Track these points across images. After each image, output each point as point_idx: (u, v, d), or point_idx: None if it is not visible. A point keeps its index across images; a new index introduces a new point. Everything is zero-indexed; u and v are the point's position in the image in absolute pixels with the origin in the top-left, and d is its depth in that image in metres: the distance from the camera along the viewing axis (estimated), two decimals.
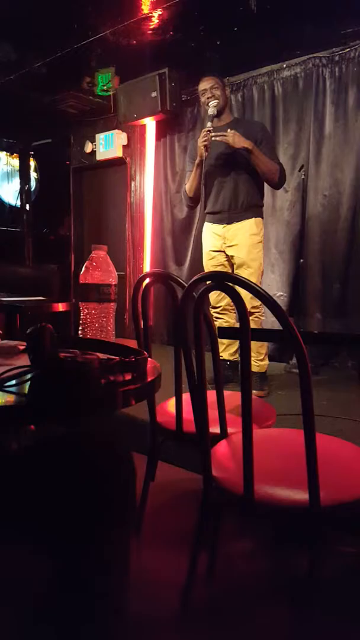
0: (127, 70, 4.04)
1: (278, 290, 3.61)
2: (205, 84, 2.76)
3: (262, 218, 2.81)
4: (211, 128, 2.62)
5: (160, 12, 3.14)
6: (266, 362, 2.78)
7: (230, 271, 2.79)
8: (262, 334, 1.85)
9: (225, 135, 2.55)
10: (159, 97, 3.88)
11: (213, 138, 2.56)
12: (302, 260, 3.40)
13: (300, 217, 3.41)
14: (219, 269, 2.79)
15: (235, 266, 2.78)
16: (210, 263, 2.85)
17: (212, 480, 1.11)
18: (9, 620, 0.75)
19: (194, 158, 2.77)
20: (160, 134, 4.35)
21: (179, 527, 1.51)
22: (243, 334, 1.00)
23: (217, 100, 2.69)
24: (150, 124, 4.36)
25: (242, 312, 0.99)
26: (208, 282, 1.07)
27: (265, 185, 2.80)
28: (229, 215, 2.77)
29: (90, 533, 0.65)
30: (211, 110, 2.69)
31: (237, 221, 2.75)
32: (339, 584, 1.26)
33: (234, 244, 2.75)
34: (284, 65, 3.54)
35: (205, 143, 2.59)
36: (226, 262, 2.83)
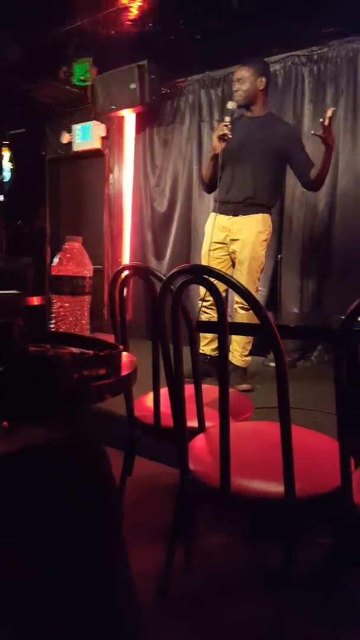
0: (105, 61, 3.98)
1: (259, 285, 3.63)
2: (235, 74, 2.67)
3: (271, 215, 2.75)
4: (228, 121, 2.55)
5: (139, 3, 3.11)
6: (249, 358, 2.79)
7: (230, 267, 2.76)
8: (239, 328, 1.86)
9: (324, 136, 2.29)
10: (138, 89, 3.84)
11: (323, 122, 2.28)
12: (280, 256, 3.44)
13: (278, 214, 3.43)
14: (216, 262, 2.72)
15: (236, 263, 2.71)
16: (211, 255, 2.75)
17: (189, 474, 1.11)
18: None
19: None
20: (140, 127, 4.32)
21: (156, 520, 1.51)
22: (221, 327, 1.00)
23: (238, 97, 2.63)
24: (129, 116, 4.32)
25: (220, 306, 1.00)
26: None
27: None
28: (236, 207, 2.68)
29: (69, 531, 0.64)
30: (230, 105, 2.62)
31: (244, 214, 2.67)
32: (315, 573, 1.29)
33: (237, 238, 2.68)
34: None
35: (222, 134, 2.52)
36: (227, 258, 2.76)
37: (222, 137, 2.53)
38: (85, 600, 0.63)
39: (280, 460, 0.94)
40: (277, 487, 0.97)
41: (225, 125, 2.53)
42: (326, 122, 2.25)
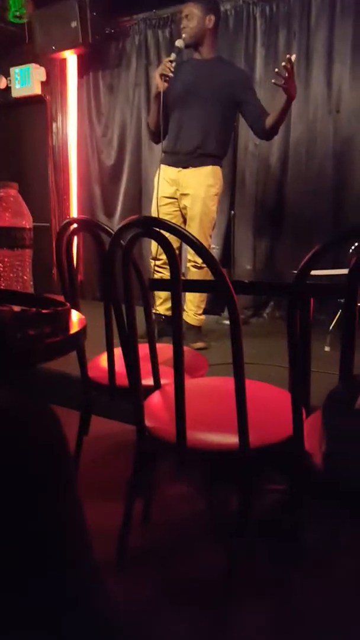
0: None
1: (211, 242, 3.60)
2: (183, 10, 2.49)
3: (221, 167, 2.65)
4: (173, 58, 2.39)
5: None
6: (203, 317, 2.79)
7: (182, 223, 2.66)
8: (193, 285, 1.84)
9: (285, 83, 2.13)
10: (79, 28, 3.54)
11: (278, 70, 2.14)
12: (233, 212, 3.40)
13: (231, 168, 3.36)
14: (167, 218, 2.58)
15: (187, 219, 2.63)
16: (161, 210, 2.64)
17: (145, 430, 1.11)
18: None
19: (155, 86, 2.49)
20: (83, 70, 4.02)
21: (115, 477, 1.53)
22: (174, 283, 0.97)
23: (185, 35, 2.46)
24: (71, 58, 4.00)
25: (173, 260, 0.96)
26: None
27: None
28: (186, 158, 2.57)
29: (20, 496, 0.61)
30: (178, 42, 2.47)
31: (194, 166, 2.56)
32: (269, 518, 1.36)
33: (187, 192, 2.58)
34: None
35: (163, 73, 2.37)
36: (178, 214, 2.67)
37: (164, 76, 2.40)
38: (42, 565, 0.61)
39: (234, 413, 0.96)
40: (232, 439, 0.98)
41: (170, 61, 2.39)
42: (284, 74, 2.13)
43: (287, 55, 2.13)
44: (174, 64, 2.39)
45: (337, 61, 3.06)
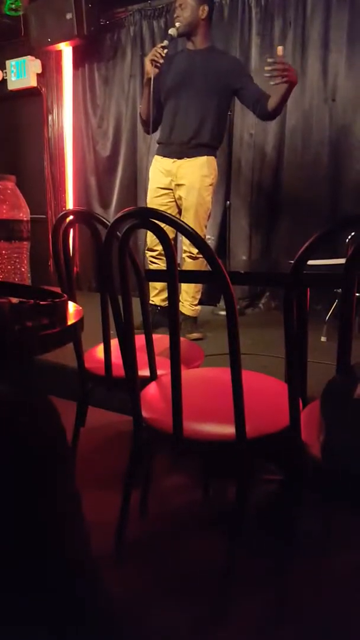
0: None
1: (206, 232, 3.59)
2: (177, 0, 2.49)
3: (216, 157, 2.64)
4: (165, 44, 2.39)
5: None
6: (199, 307, 2.80)
7: (177, 214, 2.65)
8: (189, 276, 1.84)
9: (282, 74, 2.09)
10: (74, 20, 3.51)
11: (268, 74, 2.13)
12: (228, 203, 3.39)
13: (227, 157, 3.35)
14: (162, 210, 2.61)
15: (182, 209, 2.63)
16: (156, 202, 2.65)
17: (142, 421, 1.11)
18: None
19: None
20: (78, 62, 3.99)
21: (111, 468, 1.53)
22: (170, 275, 0.97)
23: (179, 24, 2.46)
24: (66, 50, 3.96)
25: (169, 251, 0.96)
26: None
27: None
28: (180, 149, 2.56)
29: (20, 488, 0.61)
30: (171, 31, 2.47)
31: (189, 157, 2.56)
32: (265, 509, 1.36)
33: (182, 183, 2.58)
34: None
35: (154, 58, 2.37)
36: (173, 204, 2.67)
37: (154, 61, 2.39)
38: (42, 564, 0.62)
39: (231, 404, 0.96)
40: (228, 429, 0.99)
41: (162, 47, 2.38)
42: (275, 73, 2.12)
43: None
44: (165, 50, 2.39)
45: (333, 50, 3.04)
